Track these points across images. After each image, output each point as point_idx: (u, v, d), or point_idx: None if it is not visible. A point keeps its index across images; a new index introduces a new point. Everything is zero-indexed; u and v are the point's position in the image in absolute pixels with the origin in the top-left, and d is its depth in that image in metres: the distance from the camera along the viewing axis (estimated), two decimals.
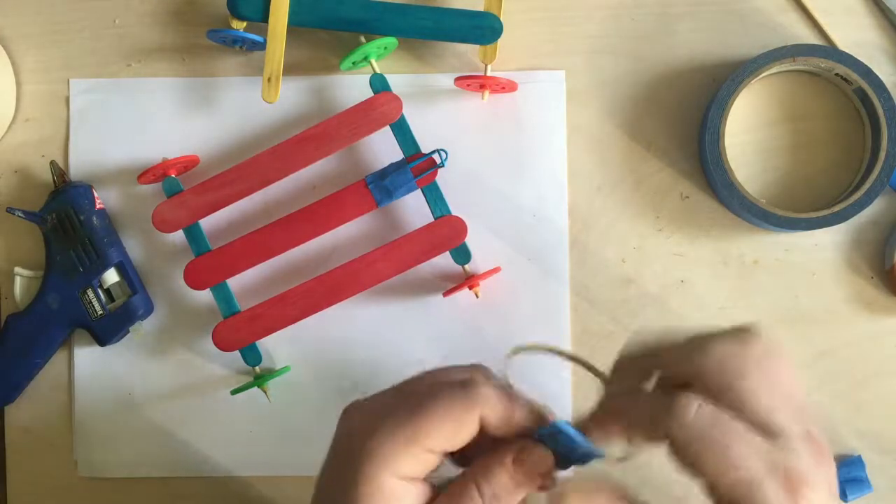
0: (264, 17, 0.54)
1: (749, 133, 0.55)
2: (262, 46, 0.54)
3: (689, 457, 0.35)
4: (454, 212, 0.54)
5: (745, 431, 0.35)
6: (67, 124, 0.58)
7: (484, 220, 0.56)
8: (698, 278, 0.56)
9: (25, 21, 0.58)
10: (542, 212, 0.56)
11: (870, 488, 0.54)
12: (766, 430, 0.35)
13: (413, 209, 0.56)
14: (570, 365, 0.56)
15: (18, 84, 0.58)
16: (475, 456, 0.39)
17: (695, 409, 0.35)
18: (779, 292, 0.55)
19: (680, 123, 0.56)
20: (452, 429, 0.37)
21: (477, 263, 0.55)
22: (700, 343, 0.37)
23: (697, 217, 0.56)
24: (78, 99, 0.57)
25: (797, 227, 0.53)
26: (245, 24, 0.55)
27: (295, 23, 0.54)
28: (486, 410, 0.37)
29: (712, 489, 0.35)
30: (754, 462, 0.34)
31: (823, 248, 0.55)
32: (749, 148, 0.55)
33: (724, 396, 0.36)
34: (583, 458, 0.38)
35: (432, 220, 0.54)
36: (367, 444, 0.36)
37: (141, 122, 0.57)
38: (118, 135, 0.57)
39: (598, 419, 0.38)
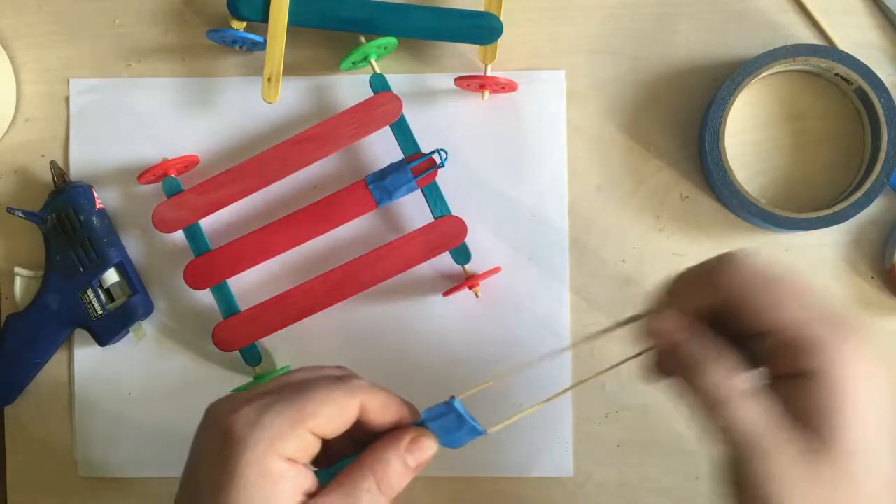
0: (264, 17, 0.54)
1: (749, 133, 0.55)
2: (262, 46, 0.54)
3: (746, 301, 0.36)
4: (454, 212, 0.54)
5: (794, 280, 0.36)
6: (67, 124, 0.58)
7: (484, 220, 0.56)
8: None
9: (25, 21, 0.58)
10: (542, 212, 0.56)
11: None
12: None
13: (413, 209, 0.56)
14: (569, 353, 0.56)
15: (18, 84, 0.58)
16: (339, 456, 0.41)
17: (748, 254, 0.37)
18: None
19: (680, 123, 0.56)
20: (336, 412, 0.38)
21: (477, 263, 0.55)
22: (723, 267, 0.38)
23: (697, 217, 0.56)
24: (78, 99, 0.57)
25: (797, 227, 0.53)
26: (245, 24, 0.55)
27: (295, 23, 0.54)
28: (367, 398, 0.39)
29: (765, 334, 0.36)
30: (809, 303, 0.35)
31: (823, 248, 0.55)
32: (749, 148, 0.55)
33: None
34: (465, 437, 0.41)
35: (432, 220, 0.54)
36: (253, 432, 0.37)
37: (141, 122, 0.57)
38: (118, 135, 0.57)
39: (661, 300, 0.39)
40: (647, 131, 0.56)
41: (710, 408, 0.36)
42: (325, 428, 0.38)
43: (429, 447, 0.40)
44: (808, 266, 0.55)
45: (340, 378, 0.41)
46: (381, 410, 0.40)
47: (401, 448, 0.40)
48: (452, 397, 0.40)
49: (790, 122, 0.55)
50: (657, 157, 0.56)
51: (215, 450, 0.38)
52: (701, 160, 0.55)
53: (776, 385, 0.36)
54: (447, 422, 0.40)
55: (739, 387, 0.36)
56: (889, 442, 0.36)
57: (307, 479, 0.38)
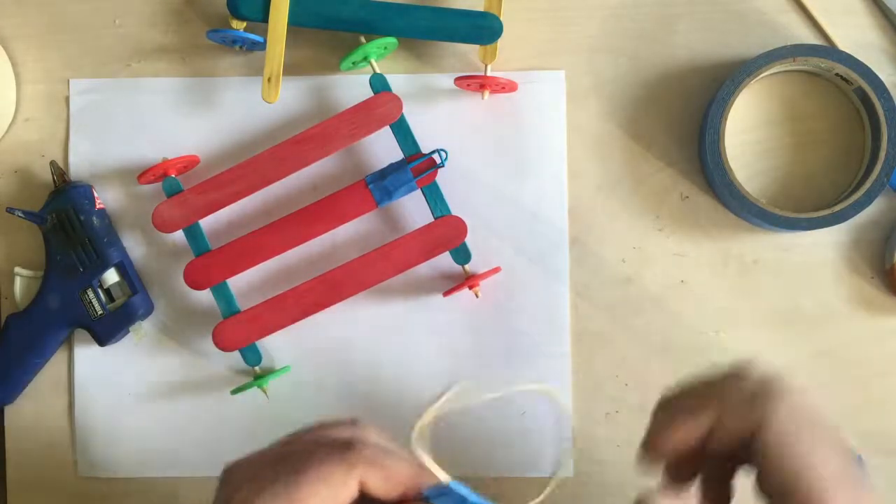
0: (264, 17, 0.54)
1: (749, 133, 0.55)
2: (262, 46, 0.54)
3: (774, 450, 0.36)
4: (454, 212, 0.54)
5: (830, 429, 0.35)
6: (67, 124, 0.58)
7: (484, 220, 0.56)
8: (698, 278, 0.56)
9: (25, 21, 0.58)
10: (542, 212, 0.56)
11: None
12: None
13: (413, 209, 0.55)
14: (570, 365, 0.56)
15: (18, 84, 0.58)
16: None
17: (797, 396, 0.36)
18: (779, 292, 0.55)
19: (680, 123, 0.56)
20: (330, 494, 0.36)
21: (477, 263, 0.55)
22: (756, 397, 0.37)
23: (697, 217, 0.56)
24: (78, 99, 0.57)
25: (797, 227, 0.53)
26: (245, 24, 0.55)
27: (295, 23, 0.54)
28: (367, 473, 0.37)
29: (785, 487, 0.36)
30: (835, 463, 0.35)
31: (823, 248, 0.55)
32: (749, 148, 0.55)
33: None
34: None
35: (432, 220, 0.54)
36: None
37: (141, 122, 0.57)
38: (118, 135, 0.57)
39: (676, 413, 0.39)
40: (647, 131, 0.56)
41: None
42: None
43: None
44: (808, 266, 0.55)
45: (344, 446, 0.38)
46: (383, 484, 0.38)
47: None
48: (451, 480, 0.38)
49: (790, 122, 0.55)
50: (657, 157, 0.56)
51: None
52: (701, 160, 0.55)
53: None
54: (451, 500, 0.38)
55: None
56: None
57: None
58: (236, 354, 0.55)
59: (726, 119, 0.53)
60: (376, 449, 0.38)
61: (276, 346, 0.56)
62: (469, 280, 0.54)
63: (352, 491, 0.37)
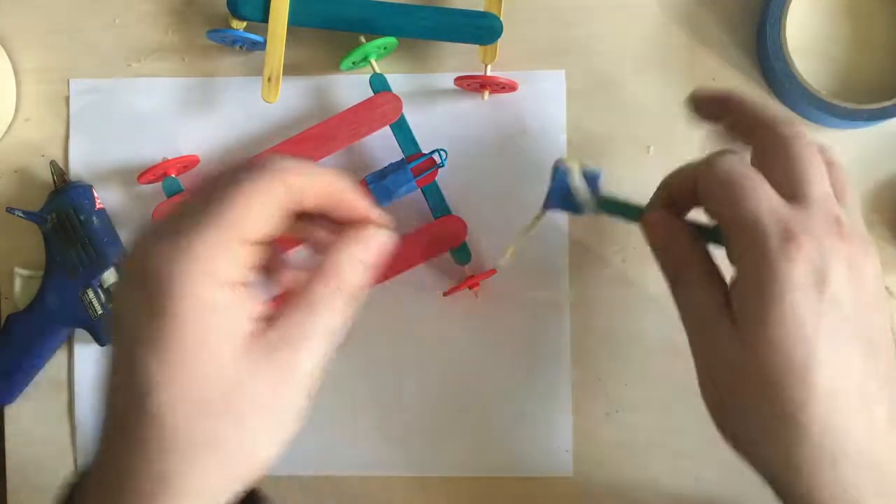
0: (264, 17, 0.54)
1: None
2: (262, 46, 0.54)
3: (711, 198, 0.39)
4: (454, 212, 0.54)
5: (762, 184, 0.38)
6: (67, 124, 0.58)
7: (484, 220, 0.56)
8: None
9: (25, 21, 0.58)
10: None
11: None
12: (790, 195, 0.38)
13: (413, 209, 0.56)
14: (570, 365, 0.56)
15: (18, 84, 0.58)
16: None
17: (725, 157, 0.39)
18: None
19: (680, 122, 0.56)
20: (264, 206, 0.33)
21: (477, 263, 0.55)
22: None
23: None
24: (78, 99, 0.57)
25: (858, 119, 0.50)
26: (245, 24, 0.55)
27: (295, 23, 0.54)
28: (296, 178, 0.35)
29: (724, 229, 0.39)
30: (764, 208, 0.37)
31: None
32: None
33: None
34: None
35: (432, 220, 0.54)
36: (174, 267, 0.31)
37: (141, 122, 0.57)
38: (118, 135, 0.57)
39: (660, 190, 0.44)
40: (647, 131, 0.56)
41: (670, 287, 0.42)
42: (258, 230, 0.34)
43: (384, 239, 0.39)
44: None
45: (264, 163, 0.35)
46: (313, 185, 0.35)
47: (355, 252, 0.38)
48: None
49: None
50: (657, 157, 0.56)
51: (139, 278, 0.33)
52: (759, 57, 0.53)
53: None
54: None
55: (688, 275, 0.41)
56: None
57: (255, 305, 0.34)
58: None
59: (787, 10, 0.50)
60: (299, 162, 0.36)
61: None
62: (469, 280, 0.54)
63: (284, 200, 0.34)
